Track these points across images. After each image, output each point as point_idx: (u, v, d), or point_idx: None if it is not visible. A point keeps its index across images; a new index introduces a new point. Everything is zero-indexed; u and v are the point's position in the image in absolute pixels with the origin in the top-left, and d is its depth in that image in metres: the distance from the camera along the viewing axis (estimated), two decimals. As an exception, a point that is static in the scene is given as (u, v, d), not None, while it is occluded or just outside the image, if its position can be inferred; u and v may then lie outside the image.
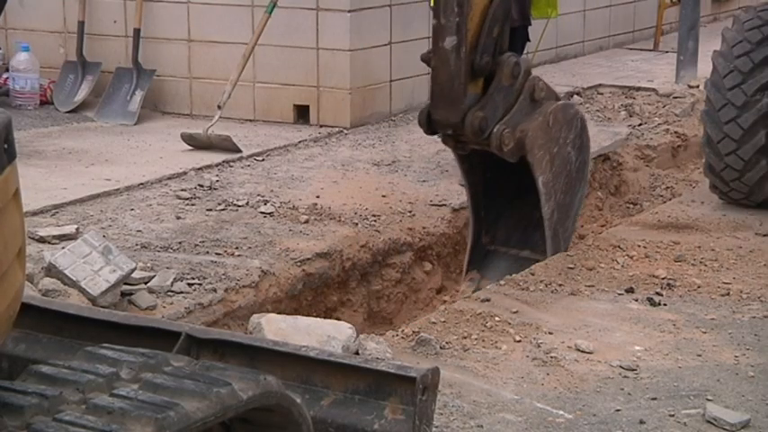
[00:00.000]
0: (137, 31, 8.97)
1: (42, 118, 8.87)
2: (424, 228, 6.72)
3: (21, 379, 2.42)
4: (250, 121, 8.82)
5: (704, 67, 8.73)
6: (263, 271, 5.72)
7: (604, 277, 5.76)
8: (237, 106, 8.61)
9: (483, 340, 4.93)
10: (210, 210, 6.53)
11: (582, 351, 4.82)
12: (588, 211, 6.79)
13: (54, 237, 5.84)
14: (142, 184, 7.02)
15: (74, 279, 5.12)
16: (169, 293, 5.34)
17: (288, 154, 7.93)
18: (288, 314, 5.24)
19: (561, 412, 4.25)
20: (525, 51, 7.74)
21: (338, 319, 5.66)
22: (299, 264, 5.91)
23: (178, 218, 6.36)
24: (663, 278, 5.74)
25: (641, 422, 4.16)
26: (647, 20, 12.42)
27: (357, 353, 4.59)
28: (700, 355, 4.82)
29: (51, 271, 5.19)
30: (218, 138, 7.89)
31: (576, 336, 4.99)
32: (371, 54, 8.71)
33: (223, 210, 6.53)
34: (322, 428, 2.78)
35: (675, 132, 8.96)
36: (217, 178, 7.19)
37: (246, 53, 8.21)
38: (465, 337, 4.94)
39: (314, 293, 6.01)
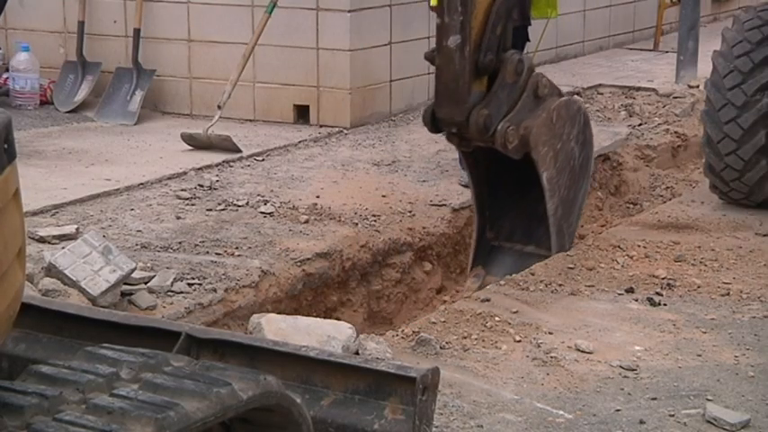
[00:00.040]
0: (137, 31, 8.97)
1: (42, 118, 8.87)
2: (424, 228, 6.72)
3: (21, 379, 2.42)
4: (250, 121, 8.82)
5: (704, 67, 8.73)
6: (263, 271, 5.72)
7: (604, 277, 5.76)
8: (237, 106, 8.61)
9: (483, 340, 4.93)
10: (210, 210, 6.53)
11: (582, 351, 4.82)
12: (588, 211, 6.80)
13: (54, 237, 5.84)
14: (142, 184, 7.02)
15: (74, 279, 5.12)
16: (169, 293, 5.34)
17: (288, 154, 7.93)
18: (288, 314, 5.24)
19: (561, 412, 4.25)
20: (525, 51, 7.73)
21: (338, 319, 5.66)
22: (299, 264, 5.92)
23: (178, 218, 6.36)
24: (663, 278, 5.74)
25: (641, 422, 4.16)
26: (647, 20, 12.41)
27: (357, 353, 4.59)
28: (700, 355, 4.82)
29: (51, 271, 5.19)
30: (218, 138, 7.89)
31: (576, 336, 4.99)
32: (371, 54, 8.71)
33: (223, 210, 6.53)
34: (322, 428, 2.78)
35: (675, 132, 8.96)
36: (217, 178, 7.19)
37: (246, 53, 8.21)
38: (465, 337, 4.94)
39: (314, 293, 6.01)
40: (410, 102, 9.09)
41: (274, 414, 2.55)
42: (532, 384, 4.50)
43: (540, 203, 6.01)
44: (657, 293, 5.54)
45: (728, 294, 5.55)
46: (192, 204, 6.62)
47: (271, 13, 8.26)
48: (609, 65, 11.08)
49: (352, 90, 8.60)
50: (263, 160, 7.73)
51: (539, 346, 4.86)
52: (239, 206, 6.60)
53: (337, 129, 8.55)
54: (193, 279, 5.49)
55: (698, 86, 9.58)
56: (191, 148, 7.94)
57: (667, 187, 8.33)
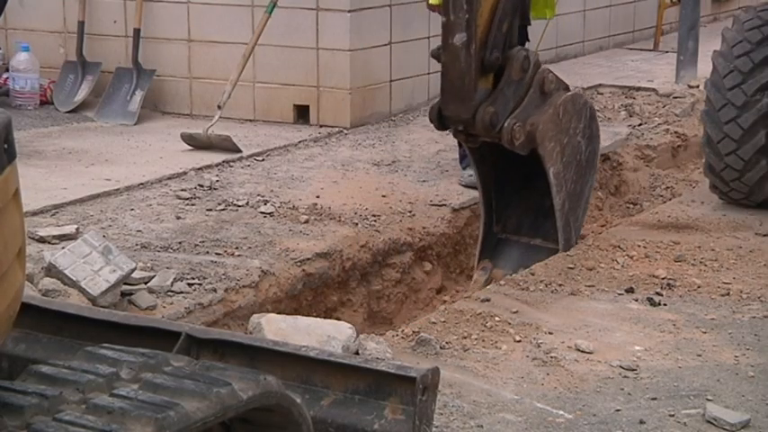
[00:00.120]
0: (137, 31, 8.97)
1: (42, 118, 8.87)
2: (424, 228, 6.72)
3: (21, 379, 2.42)
4: (250, 121, 8.82)
5: (704, 67, 8.72)
6: (263, 271, 5.72)
7: (604, 277, 5.76)
8: (237, 106, 8.61)
9: (483, 340, 4.93)
10: (210, 210, 6.53)
11: (582, 351, 4.82)
12: (588, 211, 6.80)
13: (54, 237, 5.84)
14: (142, 184, 7.02)
15: (74, 279, 5.12)
16: (169, 293, 5.34)
17: (288, 154, 7.93)
18: (288, 314, 5.24)
19: (561, 412, 4.25)
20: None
21: (338, 319, 5.66)
22: (299, 264, 5.91)
23: (178, 218, 6.36)
24: (663, 278, 5.74)
25: (641, 422, 4.16)
26: (647, 20, 12.41)
27: (357, 353, 4.59)
28: (700, 355, 4.82)
29: (51, 271, 5.19)
30: (218, 138, 7.89)
31: (576, 336, 4.99)
32: (371, 54, 8.71)
33: (223, 210, 6.53)
34: (322, 428, 2.78)
35: (675, 132, 8.96)
36: (217, 178, 7.19)
37: (246, 53, 8.21)
38: (465, 337, 4.94)
39: (314, 293, 6.01)
40: (410, 102, 9.09)
41: (274, 414, 2.55)
42: (532, 384, 4.50)
43: (547, 197, 6.04)
44: (657, 293, 5.54)
45: (728, 294, 5.55)
46: (192, 204, 6.62)
47: (271, 13, 8.26)
48: (609, 65, 11.08)
49: (352, 90, 8.60)
50: (263, 160, 7.73)
51: (539, 346, 4.86)
52: (239, 206, 6.60)
53: (337, 129, 8.55)
54: (193, 279, 5.49)
55: (698, 86, 9.58)
56: (191, 148, 7.94)
57: (667, 187, 8.33)
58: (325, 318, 5.53)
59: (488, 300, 5.40)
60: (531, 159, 5.96)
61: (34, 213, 6.22)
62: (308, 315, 5.50)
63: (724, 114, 6.79)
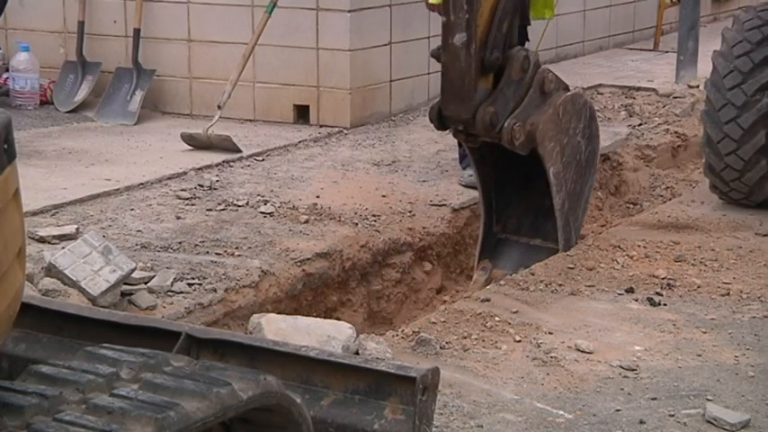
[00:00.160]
0: (137, 31, 8.97)
1: (42, 118, 8.87)
2: (424, 228, 6.72)
3: (21, 379, 2.41)
4: (250, 121, 8.82)
5: (704, 67, 8.72)
6: (263, 271, 5.72)
7: (604, 277, 5.76)
8: (237, 106, 8.61)
9: (483, 340, 4.93)
10: (210, 210, 6.53)
11: (582, 351, 4.82)
12: (588, 211, 6.80)
13: (54, 237, 5.84)
14: (142, 184, 7.02)
15: (74, 279, 5.12)
16: (169, 293, 5.34)
17: (288, 154, 7.93)
18: (288, 314, 5.24)
19: (561, 412, 4.25)
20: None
21: (338, 319, 5.66)
22: (299, 264, 5.91)
23: (178, 218, 6.36)
24: (663, 278, 5.74)
25: (641, 422, 4.16)
26: (647, 20, 12.41)
27: (357, 353, 4.59)
28: (700, 355, 4.82)
29: (51, 271, 5.19)
30: (218, 138, 7.89)
31: (576, 336, 4.99)
32: (371, 54, 8.71)
33: (223, 210, 6.53)
34: (322, 428, 2.78)
35: (675, 132, 8.96)
36: (217, 178, 7.19)
37: (246, 53, 8.21)
38: (465, 337, 4.94)
39: (314, 293, 6.01)
40: (410, 102, 9.09)
41: (274, 414, 2.55)
42: (532, 384, 4.50)
43: (547, 197, 6.05)
44: (657, 293, 5.54)
45: (728, 294, 5.55)
46: (192, 204, 6.62)
47: (271, 13, 8.26)
48: (609, 65, 11.08)
49: (352, 90, 8.60)
50: (263, 160, 7.73)
51: (539, 346, 4.86)
52: (239, 206, 6.60)
53: (337, 129, 8.55)
54: (193, 279, 5.49)
55: (698, 86, 9.58)
56: (191, 148, 7.94)
57: (667, 187, 8.33)
58: (325, 318, 5.53)
59: (488, 300, 5.40)
60: (531, 159, 5.96)
61: (34, 213, 6.22)
62: (308, 315, 5.49)
63: (724, 114, 6.79)
